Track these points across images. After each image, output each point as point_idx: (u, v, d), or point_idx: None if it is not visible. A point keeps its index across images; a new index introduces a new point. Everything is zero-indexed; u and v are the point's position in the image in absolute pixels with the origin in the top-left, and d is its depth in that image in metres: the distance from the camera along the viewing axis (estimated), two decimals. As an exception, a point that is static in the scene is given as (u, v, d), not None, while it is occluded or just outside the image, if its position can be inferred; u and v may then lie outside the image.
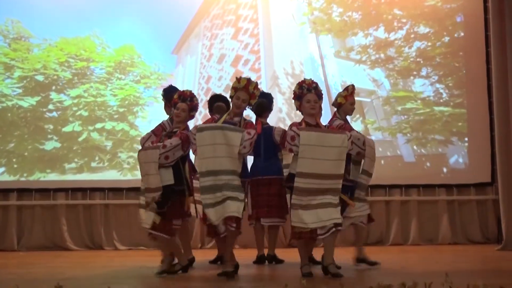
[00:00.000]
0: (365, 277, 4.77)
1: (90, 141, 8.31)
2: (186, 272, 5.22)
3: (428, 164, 8.42)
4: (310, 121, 5.00)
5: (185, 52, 8.68)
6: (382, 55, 8.61)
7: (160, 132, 6.21)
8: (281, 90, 8.43)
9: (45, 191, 8.22)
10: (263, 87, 8.18)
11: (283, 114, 8.33)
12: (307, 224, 4.68)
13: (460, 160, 8.50)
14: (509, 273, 5.17)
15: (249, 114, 6.59)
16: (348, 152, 4.89)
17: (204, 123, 5.21)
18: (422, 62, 8.64)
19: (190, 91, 5.39)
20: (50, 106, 8.42)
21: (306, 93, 4.98)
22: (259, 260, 6.19)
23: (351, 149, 5.02)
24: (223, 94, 8.16)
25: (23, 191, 8.21)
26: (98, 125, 8.36)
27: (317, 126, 4.99)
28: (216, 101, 6.41)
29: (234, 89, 5.13)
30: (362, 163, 5.43)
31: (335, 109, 5.76)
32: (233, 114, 5.18)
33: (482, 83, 8.47)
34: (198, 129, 4.95)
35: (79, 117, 8.37)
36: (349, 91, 5.64)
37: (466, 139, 8.49)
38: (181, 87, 6.02)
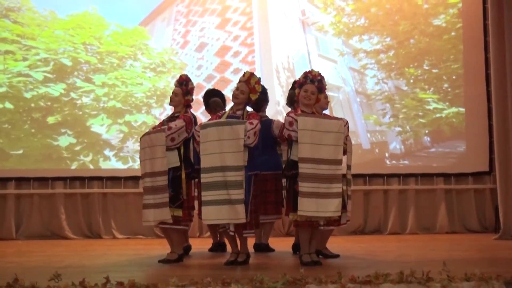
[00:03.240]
0: (363, 266, 4.79)
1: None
2: (181, 261, 5.23)
3: (424, 154, 8.48)
4: (306, 110, 5.03)
5: (149, 33, 8.60)
6: (383, 56, 8.60)
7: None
8: (281, 83, 8.44)
9: (43, 180, 8.21)
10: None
11: (280, 107, 8.32)
12: (310, 212, 4.73)
13: (458, 149, 8.51)
14: (506, 262, 5.19)
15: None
16: None
17: (209, 120, 5.22)
18: (419, 51, 8.64)
19: (186, 75, 5.51)
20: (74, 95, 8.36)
21: (308, 83, 5.03)
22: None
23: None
24: (204, 83, 8.22)
25: (21, 180, 8.20)
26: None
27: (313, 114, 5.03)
28: (211, 96, 6.41)
29: (239, 81, 5.18)
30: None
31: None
32: (235, 107, 5.17)
33: (480, 72, 8.48)
34: (202, 126, 4.97)
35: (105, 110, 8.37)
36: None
37: (464, 128, 8.51)
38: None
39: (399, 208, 8.44)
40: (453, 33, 8.68)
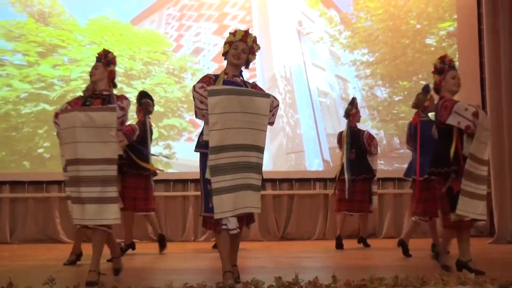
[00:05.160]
0: (358, 270, 4.79)
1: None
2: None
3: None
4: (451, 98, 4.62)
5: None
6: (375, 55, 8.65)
7: (131, 132, 6.30)
8: (280, 90, 8.55)
9: (38, 184, 8.20)
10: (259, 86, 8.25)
11: (282, 112, 8.44)
12: (470, 214, 4.38)
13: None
14: (501, 266, 5.20)
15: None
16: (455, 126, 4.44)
17: (201, 81, 4.18)
18: (415, 55, 8.68)
19: (104, 49, 4.68)
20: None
21: (449, 69, 4.70)
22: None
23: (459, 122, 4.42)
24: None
25: (16, 184, 8.18)
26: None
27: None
28: (144, 97, 6.67)
29: (229, 43, 4.32)
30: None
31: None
32: (232, 71, 4.33)
33: (475, 77, 8.50)
34: (210, 91, 3.95)
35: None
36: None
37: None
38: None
39: (394, 212, 8.46)
40: (444, 44, 8.74)
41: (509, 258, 5.81)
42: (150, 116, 6.65)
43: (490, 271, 4.25)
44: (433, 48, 8.76)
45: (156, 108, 7.05)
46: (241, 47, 4.29)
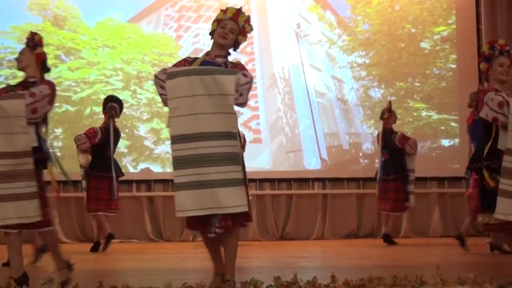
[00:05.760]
0: (357, 270, 4.79)
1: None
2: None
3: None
4: (499, 89, 4.13)
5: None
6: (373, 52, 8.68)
7: (93, 135, 6.61)
8: (279, 91, 8.61)
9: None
10: (259, 87, 8.50)
11: (281, 113, 8.54)
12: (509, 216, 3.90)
13: (452, 153, 8.55)
14: (500, 266, 5.20)
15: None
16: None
17: (175, 65, 3.82)
18: (413, 55, 8.72)
19: (31, 32, 4.10)
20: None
21: (499, 55, 4.18)
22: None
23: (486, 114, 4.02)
24: None
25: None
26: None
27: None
28: (110, 101, 6.83)
29: (218, 21, 3.98)
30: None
31: None
32: (215, 51, 3.91)
33: (474, 76, 8.52)
34: (169, 74, 3.55)
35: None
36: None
37: (458, 132, 8.54)
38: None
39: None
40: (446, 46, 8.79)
41: (508, 257, 5.81)
42: (116, 120, 6.87)
43: (489, 271, 4.24)
44: (427, 51, 8.89)
45: (166, 108, 7.12)
46: (230, 26, 3.91)
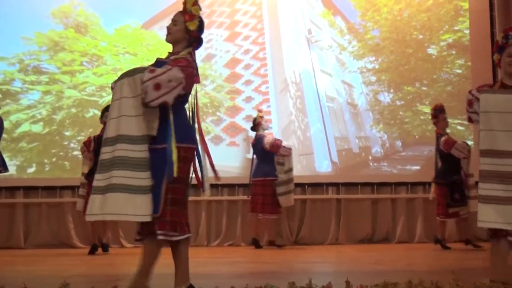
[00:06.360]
0: (371, 275, 4.77)
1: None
2: None
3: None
4: (508, 83, 3.88)
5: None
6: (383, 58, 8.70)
7: (88, 144, 7.05)
8: (291, 95, 8.67)
9: (52, 189, 8.25)
10: (272, 91, 8.65)
11: (293, 117, 8.63)
12: (491, 223, 3.71)
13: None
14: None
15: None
16: None
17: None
18: (421, 61, 8.77)
19: None
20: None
21: (510, 45, 3.85)
22: None
23: None
24: (213, 93, 8.40)
25: (29, 189, 8.24)
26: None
27: None
28: (107, 111, 6.82)
29: None
30: None
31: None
32: (171, 49, 3.79)
33: (488, 80, 8.48)
34: (118, 77, 3.50)
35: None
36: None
37: (463, 135, 8.59)
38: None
39: (407, 216, 8.42)
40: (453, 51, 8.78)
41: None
42: None
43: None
44: (434, 57, 8.94)
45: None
46: (173, 18, 3.74)
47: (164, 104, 3.37)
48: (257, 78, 8.69)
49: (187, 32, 3.73)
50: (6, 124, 8.09)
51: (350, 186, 8.53)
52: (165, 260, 3.66)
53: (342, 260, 5.63)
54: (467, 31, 8.89)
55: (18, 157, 8.31)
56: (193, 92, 3.66)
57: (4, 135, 7.55)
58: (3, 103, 8.25)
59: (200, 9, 3.80)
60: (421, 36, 8.96)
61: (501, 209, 3.63)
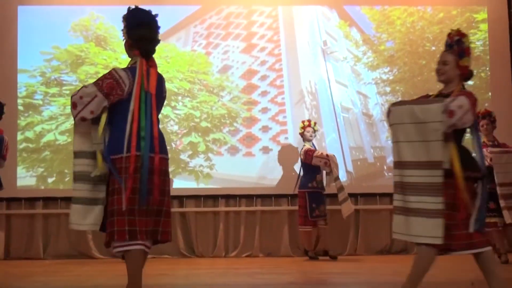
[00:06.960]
0: (390, 286, 4.74)
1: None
2: None
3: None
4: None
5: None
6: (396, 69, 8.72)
7: None
8: (307, 106, 8.71)
9: (71, 200, 8.28)
10: (287, 102, 8.66)
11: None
12: (398, 235, 3.82)
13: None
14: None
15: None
16: None
17: None
18: (434, 72, 8.73)
19: None
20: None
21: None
22: None
23: None
24: (230, 104, 8.50)
25: (49, 200, 8.30)
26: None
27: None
28: None
29: None
30: None
31: None
32: None
33: (508, 88, 8.48)
34: None
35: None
36: None
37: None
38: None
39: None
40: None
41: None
42: None
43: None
44: (447, 68, 8.95)
45: (203, 124, 7.61)
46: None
47: (83, 120, 3.66)
48: (273, 89, 8.73)
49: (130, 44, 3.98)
50: (29, 134, 8.21)
51: (368, 196, 8.48)
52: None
53: (360, 271, 5.59)
54: (479, 43, 8.87)
55: (40, 167, 8.38)
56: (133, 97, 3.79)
57: (28, 145, 7.67)
58: (25, 114, 8.35)
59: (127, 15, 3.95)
60: (433, 48, 8.96)
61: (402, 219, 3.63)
